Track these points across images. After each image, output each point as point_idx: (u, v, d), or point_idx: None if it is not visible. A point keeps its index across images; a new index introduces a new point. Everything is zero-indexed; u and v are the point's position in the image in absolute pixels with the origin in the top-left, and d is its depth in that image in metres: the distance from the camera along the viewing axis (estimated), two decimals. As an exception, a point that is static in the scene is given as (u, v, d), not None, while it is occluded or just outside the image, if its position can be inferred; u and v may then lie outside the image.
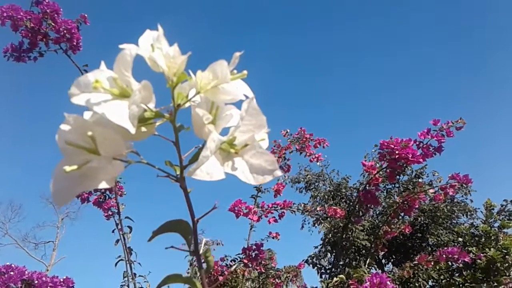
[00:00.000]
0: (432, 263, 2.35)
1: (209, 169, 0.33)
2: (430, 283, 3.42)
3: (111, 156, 0.33)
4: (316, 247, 4.56)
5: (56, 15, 1.86)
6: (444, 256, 2.29)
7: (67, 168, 0.31)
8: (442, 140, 2.04)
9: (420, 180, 5.04)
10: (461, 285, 3.18)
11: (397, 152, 1.99)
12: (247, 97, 0.37)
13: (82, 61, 1.93)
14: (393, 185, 5.41)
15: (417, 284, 3.13)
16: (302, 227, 5.59)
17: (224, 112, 0.39)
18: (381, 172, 2.17)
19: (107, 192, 2.30)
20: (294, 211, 2.46)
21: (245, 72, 0.38)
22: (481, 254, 2.55)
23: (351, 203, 4.07)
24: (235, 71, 0.38)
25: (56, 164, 0.33)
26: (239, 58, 0.37)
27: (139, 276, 2.26)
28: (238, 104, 0.39)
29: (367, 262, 2.41)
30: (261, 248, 2.39)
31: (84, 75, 0.33)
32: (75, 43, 1.91)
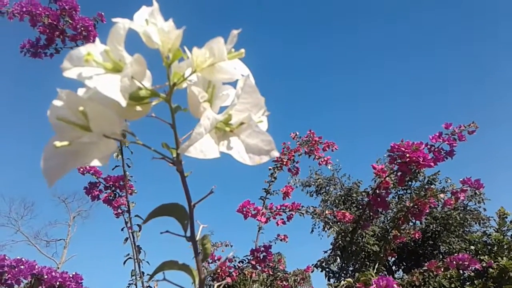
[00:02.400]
0: (442, 270, 2.31)
1: (203, 147, 0.32)
2: (440, 291, 3.37)
3: (103, 133, 0.32)
4: (325, 252, 4.53)
5: (74, 12, 1.88)
6: (454, 262, 2.26)
7: (58, 144, 0.31)
8: (454, 144, 2.01)
9: (432, 186, 4.97)
10: (472, 294, 3.14)
11: (407, 155, 1.96)
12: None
13: (99, 59, 1.95)
14: (405, 191, 5.36)
15: (427, 293, 3.09)
16: (312, 231, 5.58)
17: (221, 92, 0.38)
18: (391, 176, 2.15)
19: (118, 190, 2.30)
20: (303, 214, 2.45)
21: (242, 50, 0.37)
22: (492, 262, 2.50)
23: (361, 208, 4.03)
24: (233, 50, 0.37)
25: (48, 140, 0.32)
26: (237, 36, 0.36)
27: (147, 275, 2.26)
28: (235, 84, 0.38)
29: (376, 266, 2.38)
30: (269, 250, 2.38)
31: (76, 48, 0.33)
32: (91, 41, 1.93)
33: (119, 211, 2.28)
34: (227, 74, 0.36)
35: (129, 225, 2.23)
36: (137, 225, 2.25)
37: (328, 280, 2.94)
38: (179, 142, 0.36)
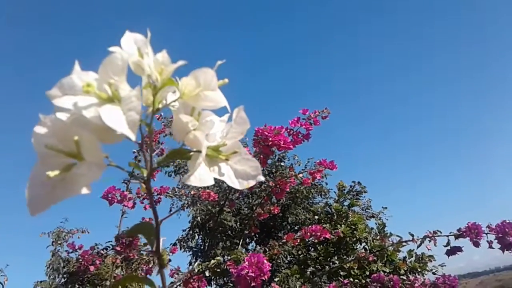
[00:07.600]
0: (299, 241, 2.56)
1: (201, 175, 0.34)
2: (288, 258, 3.74)
3: (95, 160, 0.31)
4: (184, 230, 4.61)
5: None
6: (308, 234, 2.52)
7: (50, 174, 0.29)
8: (310, 128, 2.22)
9: (282, 163, 5.37)
10: (315, 259, 3.55)
11: (270, 139, 2.12)
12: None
13: None
14: (258, 169, 5.67)
15: (279, 261, 3.40)
16: (170, 211, 5.60)
17: (204, 118, 0.39)
18: (256, 158, 2.29)
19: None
20: (171, 196, 2.46)
21: (226, 80, 0.39)
22: (339, 231, 2.86)
23: (224, 188, 4.18)
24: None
25: (31, 169, 0.30)
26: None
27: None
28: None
29: (241, 242, 2.53)
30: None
31: (67, 76, 0.31)
32: None
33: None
34: (213, 102, 0.37)
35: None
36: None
37: (196, 259, 3.02)
38: (152, 162, 0.37)
